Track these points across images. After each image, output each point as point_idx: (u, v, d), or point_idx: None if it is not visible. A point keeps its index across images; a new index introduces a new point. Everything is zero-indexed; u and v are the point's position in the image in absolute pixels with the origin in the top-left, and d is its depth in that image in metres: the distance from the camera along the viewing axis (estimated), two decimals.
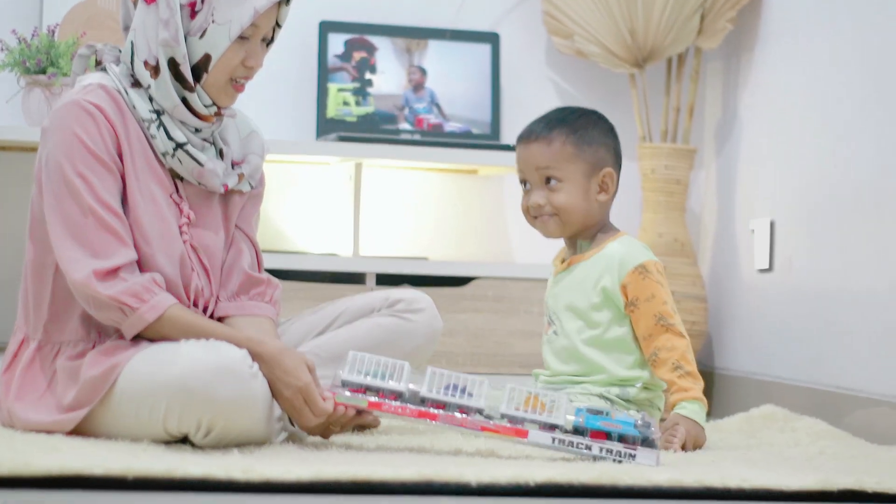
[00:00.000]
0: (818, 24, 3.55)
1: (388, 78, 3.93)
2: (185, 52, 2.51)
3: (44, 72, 3.37)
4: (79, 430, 2.46)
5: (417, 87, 3.93)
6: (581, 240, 2.86)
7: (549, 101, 4.05)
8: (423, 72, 3.93)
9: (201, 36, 2.51)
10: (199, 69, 2.53)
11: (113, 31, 3.66)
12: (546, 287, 2.94)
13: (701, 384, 2.77)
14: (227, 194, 2.66)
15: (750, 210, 3.85)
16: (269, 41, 2.59)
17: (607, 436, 2.41)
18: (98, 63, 2.61)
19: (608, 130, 2.87)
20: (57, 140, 2.48)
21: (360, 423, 2.49)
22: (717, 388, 3.91)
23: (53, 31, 3.47)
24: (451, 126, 3.93)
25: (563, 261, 2.88)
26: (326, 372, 2.63)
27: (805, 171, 3.56)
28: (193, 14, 2.51)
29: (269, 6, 2.52)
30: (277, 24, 2.60)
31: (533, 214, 2.84)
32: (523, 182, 2.85)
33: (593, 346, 2.80)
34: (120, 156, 2.51)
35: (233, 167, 2.65)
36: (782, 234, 3.65)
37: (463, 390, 2.44)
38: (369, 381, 2.45)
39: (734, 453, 2.72)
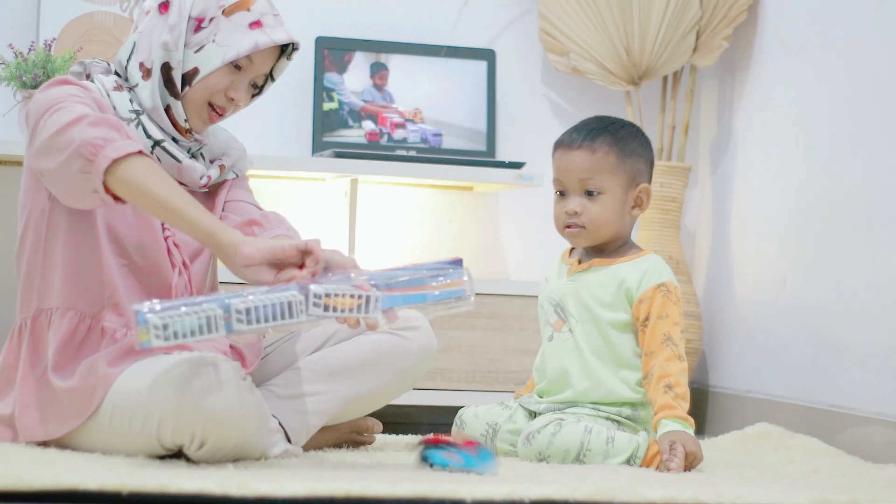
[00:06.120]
0: (813, 43, 3.56)
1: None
2: (181, 58, 2.54)
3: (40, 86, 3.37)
4: (72, 444, 2.46)
5: (379, 86, 3.92)
6: (605, 249, 2.84)
7: (544, 119, 4.05)
8: (385, 69, 3.93)
9: (197, 50, 2.54)
10: (185, 80, 2.56)
11: (108, 46, 3.67)
12: (546, 286, 2.90)
13: (687, 406, 2.74)
14: (212, 192, 2.66)
15: (744, 228, 3.85)
16: (257, 89, 2.61)
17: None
18: (87, 77, 2.63)
19: (647, 143, 2.88)
20: (42, 97, 2.48)
21: (356, 440, 2.48)
22: (711, 406, 3.91)
23: (50, 46, 3.47)
24: (414, 126, 3.91)
25: (579, 261, 2.85)
26: (322, 387, 2.64)
27: (799, 188, 3.57)
28: (198, 28, 2.55)
29: (271, 45, 2.54)
30: (272, 76, 2.62)
31: (566, 223, 2.80)
32: (559, 190, 2.83)
33: (601, 360, 2.78)
34: None
35: (211, 163, 2.66)
36: (777, 252, 3.66)
37: None
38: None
39: (728, 471, 2.73)
